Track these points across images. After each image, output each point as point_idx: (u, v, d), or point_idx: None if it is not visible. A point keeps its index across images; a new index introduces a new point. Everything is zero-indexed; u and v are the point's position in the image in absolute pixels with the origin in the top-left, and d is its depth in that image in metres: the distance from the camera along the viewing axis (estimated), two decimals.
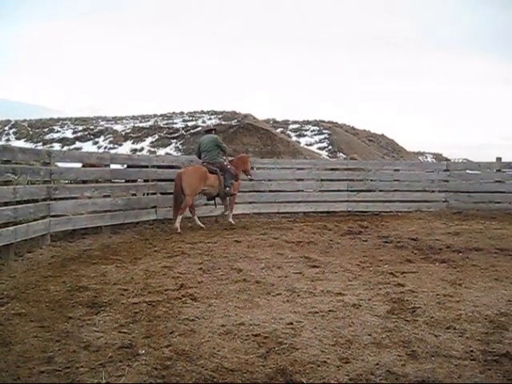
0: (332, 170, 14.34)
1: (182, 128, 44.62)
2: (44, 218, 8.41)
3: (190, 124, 45.07)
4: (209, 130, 11.69)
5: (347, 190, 13.78)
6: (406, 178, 14.38)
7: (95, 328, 4.44)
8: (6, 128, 51.26)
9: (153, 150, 40.31)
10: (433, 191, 14.47)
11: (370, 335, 4.26)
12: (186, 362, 3.71)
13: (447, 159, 44.24)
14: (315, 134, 48.34)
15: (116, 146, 44.07)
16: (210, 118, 45.41)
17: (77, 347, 3.98)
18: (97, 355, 3.83)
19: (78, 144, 44.41)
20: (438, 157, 57.49)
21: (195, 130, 42.82)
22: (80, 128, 49.15)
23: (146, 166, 11.25)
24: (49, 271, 6.67)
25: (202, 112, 49.34)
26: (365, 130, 56.33)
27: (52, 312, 4.91)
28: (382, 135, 57.21)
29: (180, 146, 41.87)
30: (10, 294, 5.49)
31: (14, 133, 49.85)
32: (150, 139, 44.39)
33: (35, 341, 4.14)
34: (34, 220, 8.08)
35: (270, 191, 13.19)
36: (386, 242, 9.13)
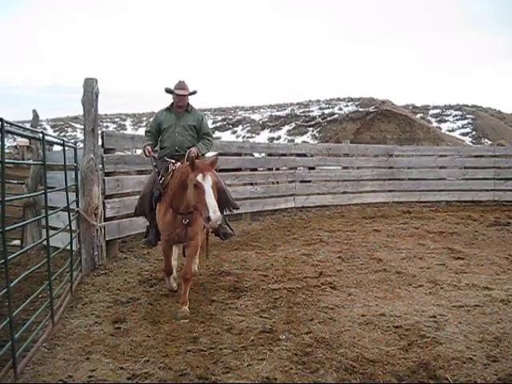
0: (477, 157, 13.64)
1: (319, 116, 44.62)
2: None
3: (326, 112, 44.93)
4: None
5: (494, 179, 13.02)
6: None
7: (237, 312, 4.59)
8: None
9: (290, 138, 40.74)
10: None
11: None
12: (326, 349, 3.71)
13: None
14: (457, 119, 46.14)
15: (253, 134, 45.13)
16: (347, 105, 45.03)
17: (220, 329, 4.14)
18: (239, 338, 3.95)
19: (217, 133, 46.04)
20: None
21: (332, 118, 42.65)
22: (219, 118, 50.91)
23: (285, 155, 11.38)
24: None
25: (339, 99, 48.98)
26: None
27: (196, 294, 5.15)
28: None
29: (316, 134, 41.88)
30: (157, 275, 5.85)
31: None
32: (286, 127, 44.91)
33: (181, 321, 4.35)
34: None
35: (410, 179, 12.86)
36: None
